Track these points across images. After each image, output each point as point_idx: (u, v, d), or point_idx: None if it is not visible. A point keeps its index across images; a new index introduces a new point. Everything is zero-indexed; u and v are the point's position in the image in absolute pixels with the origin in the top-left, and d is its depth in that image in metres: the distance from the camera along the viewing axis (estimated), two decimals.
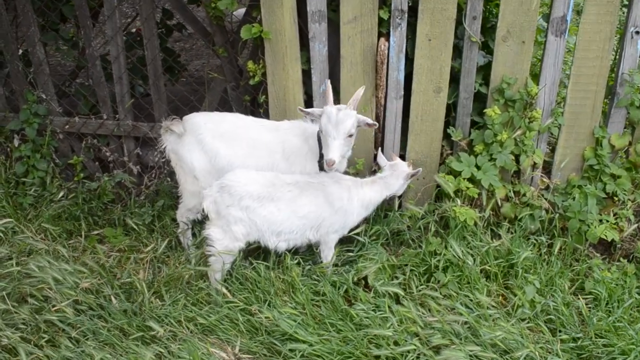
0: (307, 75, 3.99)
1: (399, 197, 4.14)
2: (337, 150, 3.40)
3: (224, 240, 3.47)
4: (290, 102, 4.00)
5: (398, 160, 3.80)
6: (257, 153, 3.68)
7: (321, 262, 3.70)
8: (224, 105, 4.37)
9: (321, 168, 3.70)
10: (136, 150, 4.48)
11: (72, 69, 5.31)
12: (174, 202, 4.14)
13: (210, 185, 3.52)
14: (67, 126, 4.48)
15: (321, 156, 3.68)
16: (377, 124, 3.65)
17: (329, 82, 3.58)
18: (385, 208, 4.06)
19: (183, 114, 3.91)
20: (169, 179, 4.35)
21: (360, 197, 3.60)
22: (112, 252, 4.01)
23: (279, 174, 3.58)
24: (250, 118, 3.83)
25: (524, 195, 3.99)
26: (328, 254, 3.68)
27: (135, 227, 4.04)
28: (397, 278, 3.61)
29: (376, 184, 3.67)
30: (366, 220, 3.98)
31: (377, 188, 3.66)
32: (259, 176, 3.50)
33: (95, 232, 4.16)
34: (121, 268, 3.85)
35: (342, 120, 3.38)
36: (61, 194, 4.26)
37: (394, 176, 3.68)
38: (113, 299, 3.43)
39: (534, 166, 4.03)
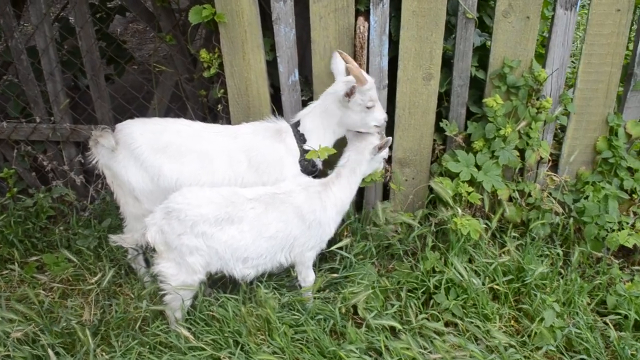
0: (272, 65, 3.23)
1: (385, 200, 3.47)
2: None
3: (180, 275, 2.75)
4: (254, 97, 3.24)
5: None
6: (213, 167, 2.93)
7: (300, 286, 3.02)
8: (177, 101, 3.59)
9: (304, 169, 3.02)
10: (78, 158, 3.68)
11: None
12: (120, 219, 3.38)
13: (153, 210, 2.78)
14: None
15: (302, 153, 2.99)
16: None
17: (337, 54, 3.00)
18: (371, 219, 3.37)
19: (128, 113, 3.15)
20: None
21: (333, 202, 2.91)
22: (54, 282, 3.26)
23: (236, 188, 2.85)
24: (200, 124, 3.05)
25: (529, 195, 3.34)
26: (307, 274, 2.99)
27: (72, 256, 3.25)
28: (391, 305, 2.95)
29: (342, 177, 2.97)
30: (350, 232, 3.31)
31: (344, 183, 2.97)
32: (214, 194, 2.76)
33: (34, 257, 3.38)
34: (64, 305, 3.11)
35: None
36: None
37: (356, 153, 2.99)
38: (50, 353, 2.70)
39: (540, 161, 3.37)
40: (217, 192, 2.77)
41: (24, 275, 3.29)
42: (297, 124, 3.03)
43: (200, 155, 2.94)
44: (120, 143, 2.96)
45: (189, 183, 2.92)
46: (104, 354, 2.73)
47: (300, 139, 3.01)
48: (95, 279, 3.16)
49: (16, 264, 3.32)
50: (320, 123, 3.01)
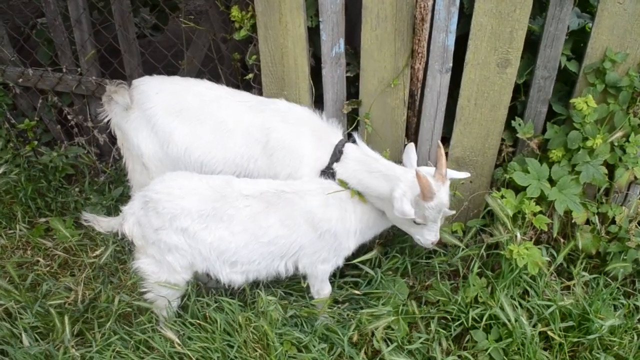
0: (314, 31, 2.65)
1: None
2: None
3: (160, 274, 2.31)
4: (290, 67, 2.68)
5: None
6: (229, 141, 2.46)
7: (313, 297, 2.51)
8: (208, 64, 3.09)
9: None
10: None
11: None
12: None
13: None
14: (20, 79, 3.31)
15: (328, 166, 2.42)
16: (468, 174, 2.43)
17: (440, 145, 2.26)
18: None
19: (156, 72, 2.72)
20: None
21: (359, 217, 2.34)
22: (57, 250, 2.94)
23: (233, 179, 2.34)
24: (224, 89, 2.58)
25: (612, 221, 2.62)
26: (322, 287, 2.47)
27: (65, 230, 2.89)
28: (418, 337, 2.38)
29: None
30: (381, 241, 2.73)
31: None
32: (202, 184, 2.27)
33: (44, 219, 3.08)
34: (62, 274, 2.79)
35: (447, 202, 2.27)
36: (1, 169, 3.12)
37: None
38: (24, 335, 2.37)
39: (634, 182, 2.62)
40: (207, 182, 2.27)
41: (30, 237, 3.00)
42: (341, 149, 2.43)
43: (217, 126, 2.47)
44: (135, 101, 2.55)
45: (198, 154, 2.49)
46: (79, 346, 2.36)
47: (335, 157, 2.43)
48: (97, 252, 2.82)
49: (18, 225, 3.02)
50: (353, 181, 2.38)
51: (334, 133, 2.51)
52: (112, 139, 3.36)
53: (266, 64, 2.71)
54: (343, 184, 2.37)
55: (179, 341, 2.30)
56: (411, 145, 2.48)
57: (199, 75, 3.16)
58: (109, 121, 2.68)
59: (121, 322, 2.45)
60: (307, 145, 2.42)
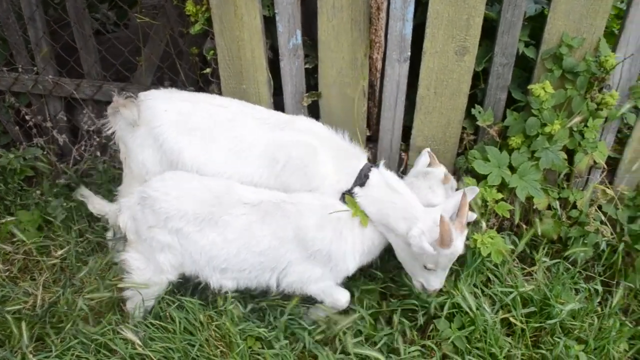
0: (272, 22, 2.58)
1: None
2: None
3: (146, 271, 2.25)
4: (248, 60, 2.61)
5: (434, 168, 2.38)
6: (245, 161, 2.33)
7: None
8: (167, 60, 3.01)
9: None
10: (60, 114, 3.19)
11: None
12: (99, 192, 2.89)
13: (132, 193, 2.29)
14: None
15: (347, 192, 2.31)
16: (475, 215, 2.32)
17: (465, 193, 2.15)
18: None
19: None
20: (99, 155, 3.10)
21: (358, 237, 2.24)
22: (17, 253, 2.84)
23: (234, 184, 2.24)
24: (237, 104, 2.44)
25: (574, 206, 2.60)
26: (333, 300, 2.33)
27: (19, 234, 2.78)
28: (381, 329, 2.34)
29: None
30: None
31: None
32: (201, 187, 2.20)
33: (3, 220, 2.97)
34: (22, 278, 2.70)
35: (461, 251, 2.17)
36: None
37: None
38: None
39: (593, 167, 2.61)
40: (207, 185, 2.20)
41: None
42: (367, 174, 2.31)
43: (232, 145, 2.33)
44: (141, 117, 2.39)
45: (212, 175, 2.33)
46: (39, 352, 2.27)
47: (361, 181, 2.30)
48: (60, 252, 2.74)
49: None
50: (372, 208, 2.27)
51: (357, 155, 2.38)
52: (72, 140, 3.27)
53: (223, 57, 2.63)
54: (352, 203, 2.26)
55: (140, 342, 2.24)
56: (426, 151, 2.43)
57: (157, 70, 3.08)
58: (112, 133, 2.53)
59: (82, 326, 2.37)
60: (328, 166, 2.31)
